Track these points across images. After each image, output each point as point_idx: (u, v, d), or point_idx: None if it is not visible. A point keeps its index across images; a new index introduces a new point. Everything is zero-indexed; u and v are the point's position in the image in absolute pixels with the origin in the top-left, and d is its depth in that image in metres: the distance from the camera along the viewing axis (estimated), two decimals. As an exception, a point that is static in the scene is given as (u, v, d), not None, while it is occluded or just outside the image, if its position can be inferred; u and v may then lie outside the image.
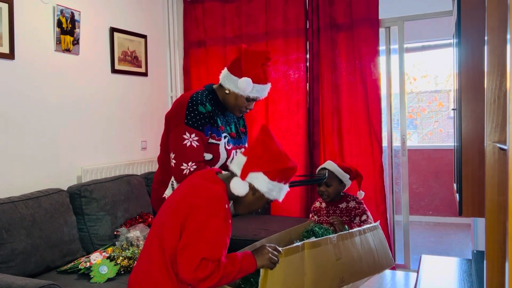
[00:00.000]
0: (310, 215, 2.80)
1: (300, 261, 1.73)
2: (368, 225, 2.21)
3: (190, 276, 1.46)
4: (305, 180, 2.59)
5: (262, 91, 2.09)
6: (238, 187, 1.59)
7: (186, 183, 1.67)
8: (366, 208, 2.68)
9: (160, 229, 1.58)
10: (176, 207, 1.57)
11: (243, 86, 2.02)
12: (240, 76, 2.04)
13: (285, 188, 1.66)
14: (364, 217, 2.62)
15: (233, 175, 1.63)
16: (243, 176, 1.58)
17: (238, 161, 1.63)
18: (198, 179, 1.64)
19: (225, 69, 2.14)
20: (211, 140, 2.05)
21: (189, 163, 1.95)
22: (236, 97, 2.08)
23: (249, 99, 2.09)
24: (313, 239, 1.92)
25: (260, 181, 1.59)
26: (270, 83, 2.14)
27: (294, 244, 1.77)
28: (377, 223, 2.29)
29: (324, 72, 3.97)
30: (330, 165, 2.69)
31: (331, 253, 1.85)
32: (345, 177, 2.66)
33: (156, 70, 4.25)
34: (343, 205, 2.65)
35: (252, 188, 1.61)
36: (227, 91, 2.10)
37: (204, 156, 2.02)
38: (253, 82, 2.04)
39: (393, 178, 4.13)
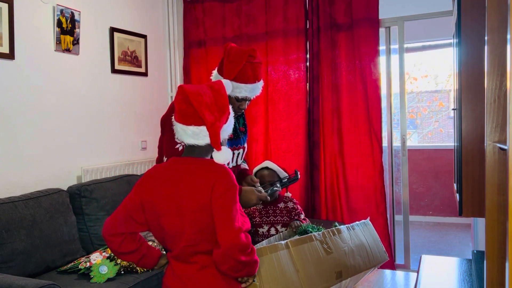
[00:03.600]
0: None
1: (288, 259, 1.74)
2: (357, 222, 2.21)
3: (236, 236, 1.47)
4: (281, 183, 2.55)
5: (251, 90, 2.07)
6: (226, 157, 1.56)
7: (182, 178, 1.58)
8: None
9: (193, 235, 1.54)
10: (193, 204, 1.53)
11: None
12: (223, 77, 2.03)
13: (231, 108, 1.66)
14: (302, 216, 2.65)
15: (192, 147, 1.58)
16: (218, 147, 1.54)
17: (192, 133, 1.54)
18: (192, 169, 1.58)
19: (215, 69, 2.14)
20: None
21: None
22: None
23: (239, 99, 2.08)
24: (296, 237, 1.92)
25: (224, 131, 1.59)
26: (261, 81, 2.11)
27: (277, 242, 1.78)
28: (367, 219, 2.29)
29: (324, 72, 3.97)
30: (271, 164, 2.70)
31: (320, 249, 1.86)
32: (285, 177, 2.66)
33: (156, 70, 4.25)
34: (282, 205, 2.64)
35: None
36: None
37: None
38: (240, 82, 2.02)
39: (393, 178, 4.13)
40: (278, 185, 2.38)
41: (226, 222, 1.47)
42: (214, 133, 1.53)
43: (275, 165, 2.73)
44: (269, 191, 2.22)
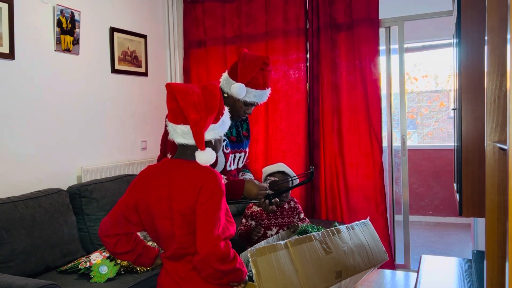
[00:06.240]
0: (244, 220, 2.56)
1: (287, 259, 1.74)
2: (357, 221, 2.21)
3: (213, 242, 1.44)
4: (296, 183, 2.48)
5: (260, 96, 2.11)
6: (207, 159, 1.53)
7: (169, 184, 1.56)
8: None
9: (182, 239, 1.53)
10: (180, 210, 1.52)
11: (236, 91, 2.04)
12: (236, 81, 2.06)
13: (227, 110, 1.64)
14: (302, 216, 2.64)
15: (184, 147, 1.57)
16: (201, 147, 1.51)
17: (182, 132, 1.53)
18: (182, 172, 1.56)
19: (226, 72, 2.16)
20: None
21: None
22: (234, 101, 2.09)
23: (246, 104, 2.11)
24: (295, 237, 1.92)
25: (213, 132, 1.56)
26: (269, 88, 2.15)
27: (276, 243, 1.78)
28: (367, 219, 2.28)
29: (324, 72, 3.97)
30: (284, 167, 2.60)
31: (319, 248, 1.86)
32: (295, 177, 2.62)
33: (156, 70, 4.25)
34: (286, 206, 2.61)
35: (211, 141, 1.58)
36: (225, 95, 2.11)
37: None
38: (251, 87, 2.06)
39: (393, 178, 4.13)
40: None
41: (206, 229, 1.46)
42: (197, 132, 1.50)
43: (290, 169, 2.62)
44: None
